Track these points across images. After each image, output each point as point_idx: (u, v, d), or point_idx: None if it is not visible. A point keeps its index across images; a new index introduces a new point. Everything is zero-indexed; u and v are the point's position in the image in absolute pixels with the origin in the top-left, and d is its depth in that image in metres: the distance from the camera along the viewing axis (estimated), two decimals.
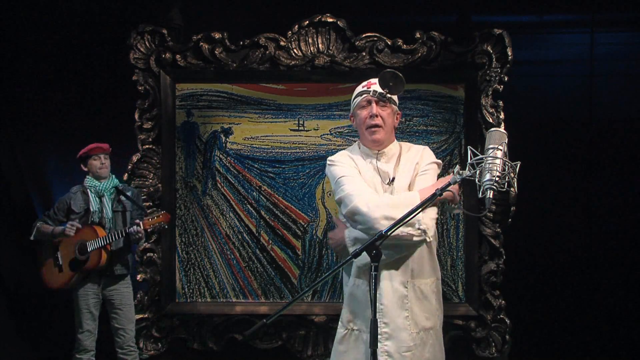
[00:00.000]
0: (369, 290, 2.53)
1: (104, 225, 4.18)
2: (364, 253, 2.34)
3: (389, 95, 2.75)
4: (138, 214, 4.25)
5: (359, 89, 2.82)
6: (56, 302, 4.94)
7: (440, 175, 2.85)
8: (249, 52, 4.77)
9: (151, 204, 4.70)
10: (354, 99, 2.83)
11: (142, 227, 4.07)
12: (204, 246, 4.84)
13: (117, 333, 4.19)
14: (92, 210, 4.20)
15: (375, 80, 2.77)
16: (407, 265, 2.64)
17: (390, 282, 2.61)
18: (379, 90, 2.74)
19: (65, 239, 4.15)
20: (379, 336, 2.55)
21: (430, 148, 2.92)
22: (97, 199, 4.22)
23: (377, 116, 2.73)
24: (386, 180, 2.73)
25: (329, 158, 2.86)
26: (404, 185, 2.71)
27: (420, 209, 2.41)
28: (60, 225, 4.24)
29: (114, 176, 4.35)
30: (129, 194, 4.30)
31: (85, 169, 4.27)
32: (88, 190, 4.23)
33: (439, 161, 2.83)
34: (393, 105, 2.79)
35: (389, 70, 2.72)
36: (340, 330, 2.75)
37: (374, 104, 2.74)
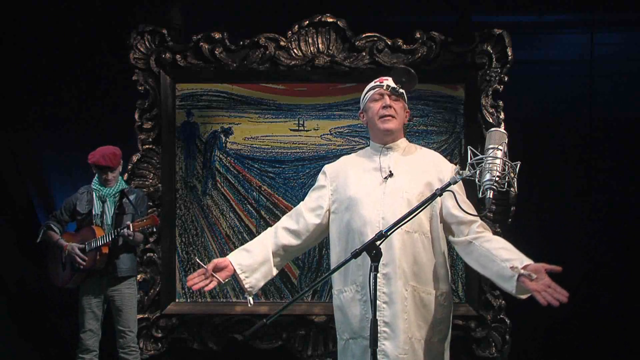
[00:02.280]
0: (369, 291, 2.53)
1: (104, 227, 4.18)
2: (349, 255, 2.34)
3: (401, 90, 2.76)
4: (139, 218, 4.25)
5: (371, 84, 2.83)
6: (58, 303, 4.94)
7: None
8: (249, 52, 4.77)
9: (151, 204, 4.70)
10: (364, 95, 2.83)
11: (132, 230, 4.03)
12: (204, 246, 4.83)
13: (119, 334, 4.20)
14: (94, 213, 4.20)
15: (387, 77, 2.79)
16: (409, 268, 2.63)
17: (395, 282, 2.60)
18: (392, 85, 2.76)
19: (69, 240, 4.16)
20: (378, 335, 2.57)
21: (430, 148, 2.91)
22: (99, 202, 4.21)
23: (390, 107, 2.73)
24: (385, 175, 2.72)
25: (324, 167, 2.89)
26: (403, 184, 2.68)
27: (420, 209, 2.40)
28: (66, 230, 4.29)
29: (121, 179, 4.34)
30: (133, 197, 4.27)
31: (94, 172, 4.28)
32: (93, 192, 4.23)
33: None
34: (404, 102, 2.80)
35: (402, 66, 2.73)
36: (340, 342, 2.77)
37: (386, 97, 2.75)
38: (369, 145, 2.89)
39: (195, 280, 2.60)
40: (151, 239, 4.71)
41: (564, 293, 2.40)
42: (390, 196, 2.65)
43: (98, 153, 4.19)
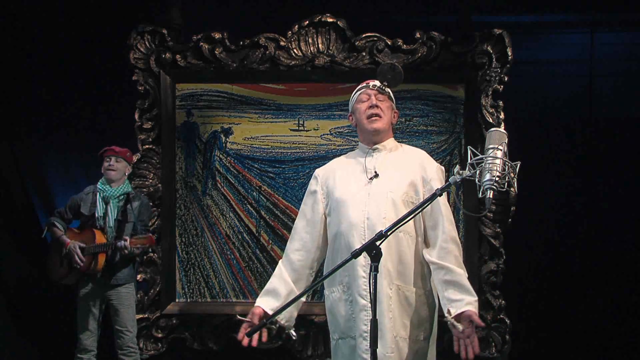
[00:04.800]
0: (369, 290, 2.57)
1: (106, 232, 4.16)
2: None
3: (387, 89, 2.79)
4: (142, 226, 4.21)
5: (358, 87, 2.87)
6: (57, 302, 4.94)
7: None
8: (249, 52, 4.76)
9: (151, 204, 4.69)
10: (352, 97, 2.87)
11: (129, 245, 3.99)
12: (204, 246, 4.83)
13: (117, 334, 4.19)
14: (96, 215, 4.17)
15: (374, 79, 2.81)
16: (393, 267, 2.65)
17: (380, 282, 2.60)
18: (378, 84, 2.79)
19: (72, 238, 4.14)
20: (364, 334, 2.61)
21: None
22: (103, 204, 4.18)
23: (377, 106, 2.77)
24: (370, 176, 2.74)
25: (316, 171, 2.91)
26: (388, 185, 2.71)
27: (420, 209, 2.40)
28: (70, 227, 4.26)
29: (128, 182, 4.30)
30: (137, 203, 4.24)
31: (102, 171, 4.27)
32: (97, 193, 4.21)
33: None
34: (391, 102, 2.83)
35: (387, 62, 2.74)
36: (332, 342, 2.81)
37: (373, 96, 2.78)
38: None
39: (247, 333, 2.66)
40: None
41: (475, 350, 2.50)
42: (375, 197, 2.69)
43: (109, 146, 4.25)
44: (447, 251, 2.64)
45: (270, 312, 2.69)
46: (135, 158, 4.70)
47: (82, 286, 4.18)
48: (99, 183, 4.25)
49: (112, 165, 4.21)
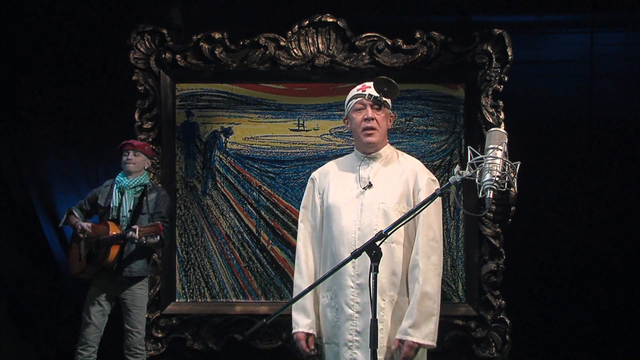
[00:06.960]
0: (341, 299, 2.66)
1: (120, 222, 4.12)
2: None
3: (383, 99, 2.75)
4: (159, 218, 4.15)
5: (354, 92, 2.81)
6: (57, 302, 4.94)
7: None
8: (249, 52, 4.77)
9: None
10: (348, 102, 2.83)
11: (137, 234, 3.94)
12: (204, 246, 4.84)
13: (126, 333, 4.15)
14: (111, 206, 4.16)
15: (370, 83, 2.77)
16: (386, 278, 2.66)
17: (368, 293, 2.61)
18: (374, 94, 2.74)
19: (89, 232, 4.12)
20: (349, 343, 2.65)
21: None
22: (119, 195, 4.18)
23: (372, 119, 2.73)
24: (364, 186, 2.74)
25: (312, 174, 2.91)
26: (380, 195, 2.71)
27: (420, 209, 2.40)
28: (87, 219, 4.22)
29: (146, 175, 4.28)
30: (154, 195, 4.21)
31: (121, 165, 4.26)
32: (115, 184, 4.20)
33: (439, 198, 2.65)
34: (386, 109, 2.79)
35: (382, 77, 2.70)
36: (322, 345, 2.82)
37: (368, 108, 2.74)
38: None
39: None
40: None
41: None
42: (368, 207, 2.70)
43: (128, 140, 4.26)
44: (414, 264, 2.67)
45: (311, 331, 2.75)
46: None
47: (96, 280, 4.13)
48: (117, 176, 4.24)
49: (129, 159, 4.20)
